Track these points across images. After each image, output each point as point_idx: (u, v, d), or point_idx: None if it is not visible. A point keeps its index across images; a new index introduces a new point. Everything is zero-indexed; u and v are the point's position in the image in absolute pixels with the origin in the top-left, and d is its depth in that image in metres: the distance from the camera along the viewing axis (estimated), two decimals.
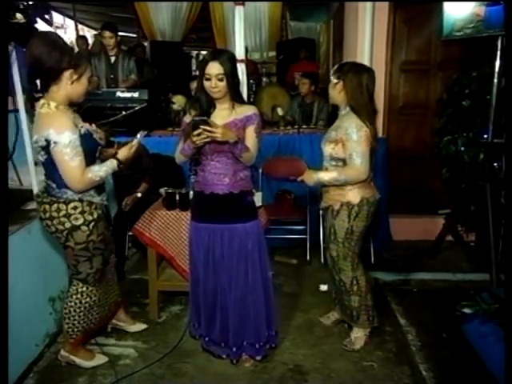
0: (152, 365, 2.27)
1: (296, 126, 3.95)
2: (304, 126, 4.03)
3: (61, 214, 1.96)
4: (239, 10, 3.47)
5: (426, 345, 2.37)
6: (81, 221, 1.98)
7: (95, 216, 2.03)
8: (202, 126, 1.88)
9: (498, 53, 2.73)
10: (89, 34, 8.43)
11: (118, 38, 4.30)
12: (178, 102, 4.42)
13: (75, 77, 1.89)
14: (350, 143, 2.13)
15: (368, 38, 3.47)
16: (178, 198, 2.58)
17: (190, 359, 2.32)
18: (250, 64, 5.84)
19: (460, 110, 3.19)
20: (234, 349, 2.24)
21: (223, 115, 2.08)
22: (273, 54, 7.49)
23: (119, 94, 3.85)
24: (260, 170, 3.53)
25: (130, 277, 3.14)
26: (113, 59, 4.27)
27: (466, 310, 2.10)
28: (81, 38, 6.84)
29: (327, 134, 2.30)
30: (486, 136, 2.89)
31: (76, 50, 2.04)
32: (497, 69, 2.76)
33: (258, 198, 2.61)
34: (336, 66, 2.25)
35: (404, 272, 3.17)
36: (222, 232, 2.14)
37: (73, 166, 1.86)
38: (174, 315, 2.76)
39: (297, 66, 6.02)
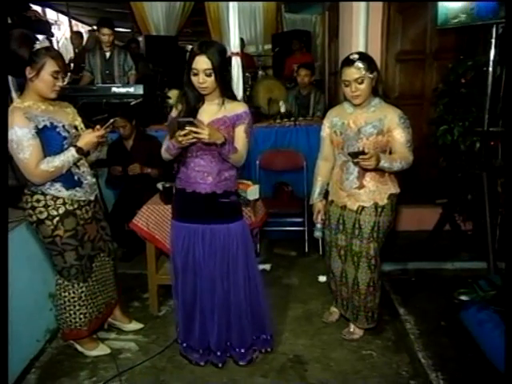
0: (153, 358, 2.29)
1: (292, 119, 3.95)
2: (300, 118, 4.03)
3: (28, 205, 2.04)
4: (233, 3, 3.47)
5: (425, 333, 2.39)
6: (44, 215, 2.02)
7: (61, 211, 2.04)
8: (187, 127, 1.78)
9: (493, 41, 2.73)
10: (83, 29, 8.38)
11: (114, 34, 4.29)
12: (174, 96, 4.41)
13: (33, 73, 1.90)
14: (405, 131, 2.11)
15: (363, 29, 3.45)
16: (175, 192, 2.58)
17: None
18: (247, 57, 5.82)
19: (456, 99, 3.19)
20: (219, 353, 2.16)
21: (212, 111, 1.97)
22: (268, 46, 7.46)
23: (114, 89, 3.84)
24: (257, 163, 3.54)
25: (129, 272, 3.15)
26: (108, 55, 4.25)
27: (463, 298, 2.13)
28: (75, 34, 6.82)
29: (365, 128, 2.13)
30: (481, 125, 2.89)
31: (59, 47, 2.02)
32: (492, 57, 2.76)
33: (255, 191, 2.62)
34: (359, 62, 2.05)
35: (402, 262, 3.19)
36: (203, 232, 2.05)
37: (22, 159, 1.90)
38: (174, 309, 2.77)
39: (292, 58, 6.01)
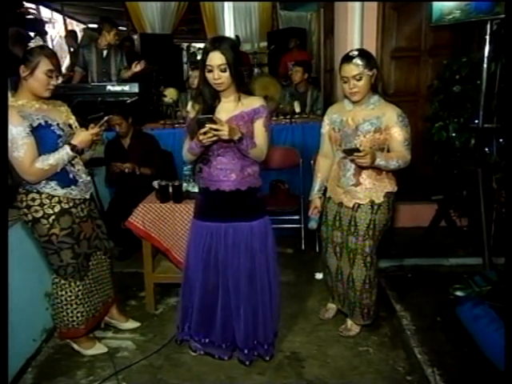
0: (150, 356, 2.29)
1: (288, 116, 3.95)
2: (296, 116, 4.03)
3: (23, 204, 2.03)
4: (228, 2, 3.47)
5: (421, 329, 2.40)
6: (40, 213, 2.02)
7: (56, 210, 2.04)
8: (207, 125, 1.79)
9: (488, 37, 2.73)
10: (77, 28, 8.35)
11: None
12: (170, 94, 4.41)
13: (27, 72, 1.91)
14: (403, 130, 2.10)
15: (358, 26, 3.46)
16: (171, 190, 2.58)
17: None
18: (242, 55, 5.81)
19: (451, 95, 3.19)
20: (246, 350, 2.16)
21: (229, 108, 1.97)
22: (264, 44, 7.46)
23: (110, 87, 3.83)
24: None
25: (125, 270, 3.15)
26: (105, 53, 4.23)
27: (459, 293, 2.13)
28: (70, 33, 6.79)
29: (363, 125, 2.13)
30: (476, 121, 2.90)
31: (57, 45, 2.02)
32: (486, 54, 2.76)
33: None
34: (358, 59, 2.05)
35: (398, 258, 3.20)
36: (226, 230, 2.04)
37: (17, 157, 1.89)
38: (171, 307, 2.77)
39: (288, 55, 6.00)
